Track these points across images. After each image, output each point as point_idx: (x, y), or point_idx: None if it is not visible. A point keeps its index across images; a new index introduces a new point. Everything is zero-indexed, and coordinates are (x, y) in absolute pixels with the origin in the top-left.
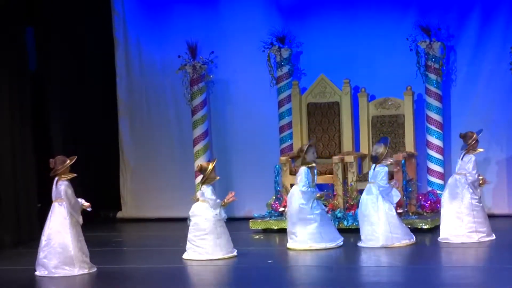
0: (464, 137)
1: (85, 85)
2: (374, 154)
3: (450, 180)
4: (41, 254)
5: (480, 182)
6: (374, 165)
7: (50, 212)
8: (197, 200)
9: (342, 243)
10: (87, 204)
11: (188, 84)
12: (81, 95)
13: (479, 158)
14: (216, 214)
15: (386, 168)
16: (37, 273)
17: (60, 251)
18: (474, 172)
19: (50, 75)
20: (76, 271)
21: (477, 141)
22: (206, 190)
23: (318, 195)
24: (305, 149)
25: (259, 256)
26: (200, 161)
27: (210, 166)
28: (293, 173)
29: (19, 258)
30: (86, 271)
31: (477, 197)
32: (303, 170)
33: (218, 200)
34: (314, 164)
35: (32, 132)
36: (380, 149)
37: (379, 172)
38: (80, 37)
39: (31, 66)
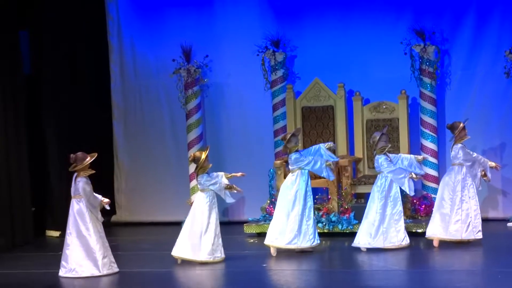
0: (451, 127)
1: (80, 89)
2: (372, 143)
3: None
4: (66, 252)
5: (494, 166)
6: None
7: (70, 209)
8: (191, 203)
9: None
10: (106, 200)
11: (182, 87)
12: (76, 99)
13: None
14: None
15: (383, 156)
16: (60, 273)
17: (82, 249)
18: (468, 157)
19: (44, 79)
20: (101, 270)
21: (463, 129)
22: (203, 179)
23: (327, 163)
24: (288, 137)
25: (254, 260)
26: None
27: (203, 155)
28: None
29: (14, 262)
30: (111, 270)
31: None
32: (292, 155)
33: (219, 183)
34: (297, 147)
35: (26, 136)
36: (375, 138)
37: (378, 162)
38: (74, 41)
39: (25, 70)
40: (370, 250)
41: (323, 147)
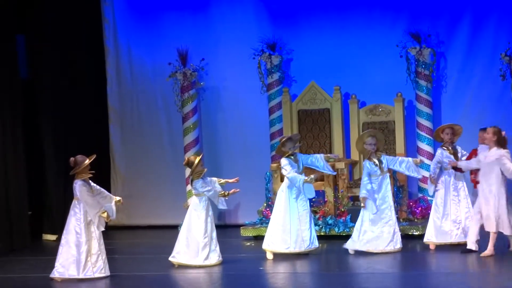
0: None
1: (76, 93)
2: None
3: None
4: (58, 252)
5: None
6: None
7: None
8: (188, 207)
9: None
10: (118, 198)
11: (178, 91)
12: (72, 103)
13: None
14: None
15: (366, 163)
16: (52, 274)
17: (68, 250)
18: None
19: (41, 83)
20: (81, 273)
21: (442, 132)
22: (197, 184)
23: (306, 178)
24: (283, 141)
25: (250, 263)
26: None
27: (196, 160)
28: None
29: (11, 266)
30: (96, 275)
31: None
32: (283, 160)
33: (214, 190)
34: (290, 152)
35: (23, 141)
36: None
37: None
38: (71, 45)
39: (22, 74)
40: (369, 253)
41: (322, 157)
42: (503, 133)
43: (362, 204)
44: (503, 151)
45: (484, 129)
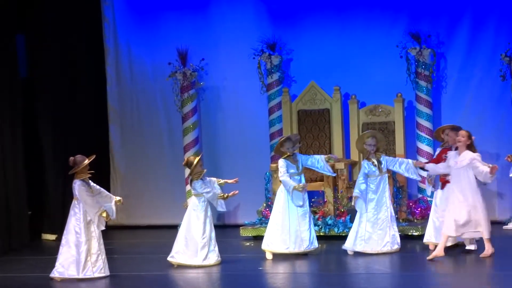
0: None
1: (76, 93)
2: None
3: None
4: (59, 251)
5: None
6: None
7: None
8: (187, 207)
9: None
10: (118, 198)
11: (178, 91)
12: (72, 103)
13: None
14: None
15: (364, 163)
16: (52, 274)
17: (69, 250)
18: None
19: (41, 83)
20: (81, 273)
21: (443, 132)
22: (197, 185)
23: (296, 186)
24: (281, 140)
25: (250, 263)
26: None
27: (195, 161)
28: None
29: (10, 266)
30: (96, 274)
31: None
32: (280, 161)
33: (213, 192)
34: (289, 153)
35: (23, 140)
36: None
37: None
38: (70, 44)
39: (22, 74)
40: (368, 254)
41: (323, 158)
42: (473, 138)
43: (352, 203)
44: (474, 154)
45: (455, 129)
